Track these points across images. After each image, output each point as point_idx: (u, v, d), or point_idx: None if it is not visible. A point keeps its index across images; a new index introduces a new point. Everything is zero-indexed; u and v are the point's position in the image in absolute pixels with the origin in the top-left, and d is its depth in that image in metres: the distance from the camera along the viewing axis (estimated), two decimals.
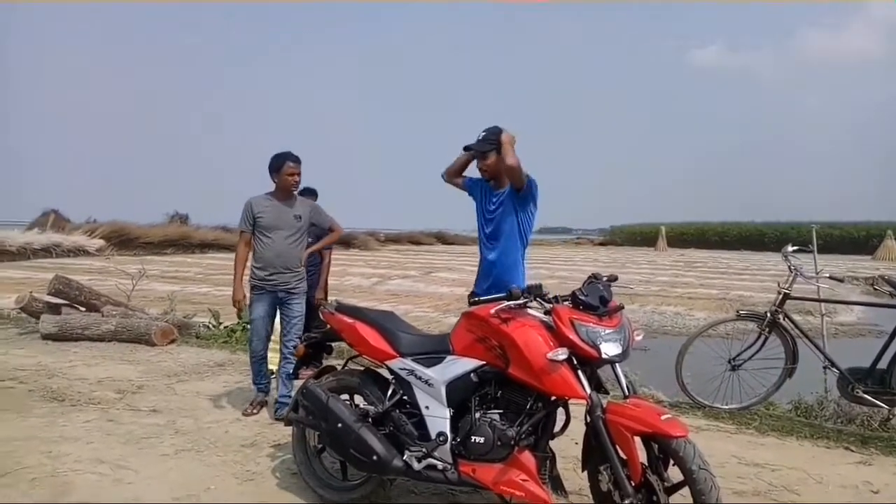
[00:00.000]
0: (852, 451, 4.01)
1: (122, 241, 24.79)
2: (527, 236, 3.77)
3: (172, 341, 7.09)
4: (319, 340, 3.62)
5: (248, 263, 4.61)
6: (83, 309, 7.72)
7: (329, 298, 6.27)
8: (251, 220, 4.49)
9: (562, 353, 2.64)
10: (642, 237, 45.50)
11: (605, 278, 2.97)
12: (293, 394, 4.31)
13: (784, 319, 4.61)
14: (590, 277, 2.96)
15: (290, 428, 3.96)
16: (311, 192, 6.02)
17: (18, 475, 3.41)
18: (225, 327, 7.76)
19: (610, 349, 2.68)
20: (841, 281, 5.10)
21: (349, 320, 3.31)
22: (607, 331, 2.71)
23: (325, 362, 5.02)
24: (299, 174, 4.54)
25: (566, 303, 2.86)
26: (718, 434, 4.26)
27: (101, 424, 4.29)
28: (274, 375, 4.85)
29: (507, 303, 2.82)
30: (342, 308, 3.45)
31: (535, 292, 2.86)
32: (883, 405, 4.16)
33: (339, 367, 3.53)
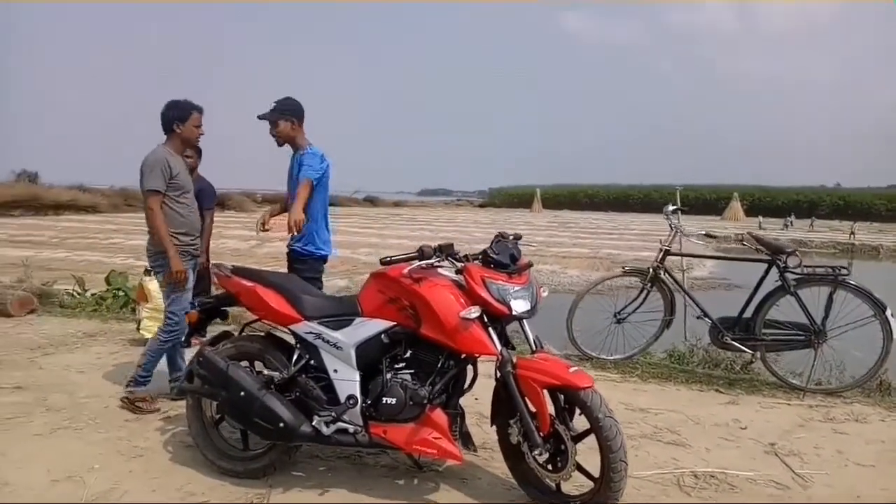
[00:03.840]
0: (721, 392, 4.43)
1: None
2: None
3: (32, 311, 6.42)
4: (214, 306, 3.40)
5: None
6: None
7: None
8: (169, 178, 3.85)
9: (474, 312, 2.66)
10: (519, 199, 46.96)
11: (511, 237, 3.02)
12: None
13: (664, 274, 4.96)
14: (497, 236, 2.99)
15: (178, 401, 3.75)
16: (192, 147, 5.57)
17: None
18: (92, 295, 7.14)
19: (520, 306, 2.75)
20: (716, 238, 5.53)
21: (248, 283, 3.13)
22: (516, 288, 2.77)
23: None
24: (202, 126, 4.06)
25: (476, 261, 2.88)
26: (606, 383, 4.53)
27: None
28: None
29: (418, 262, 2.79)
30: (239, 271, 3.26)
31: (447, 251, 2.85)
32: (748, 350, 4.60)
33: (235, 334, 3.35)
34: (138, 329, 4.97)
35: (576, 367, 2.68)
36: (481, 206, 49.26)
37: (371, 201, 43.49)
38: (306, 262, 3.98)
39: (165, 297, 3.98)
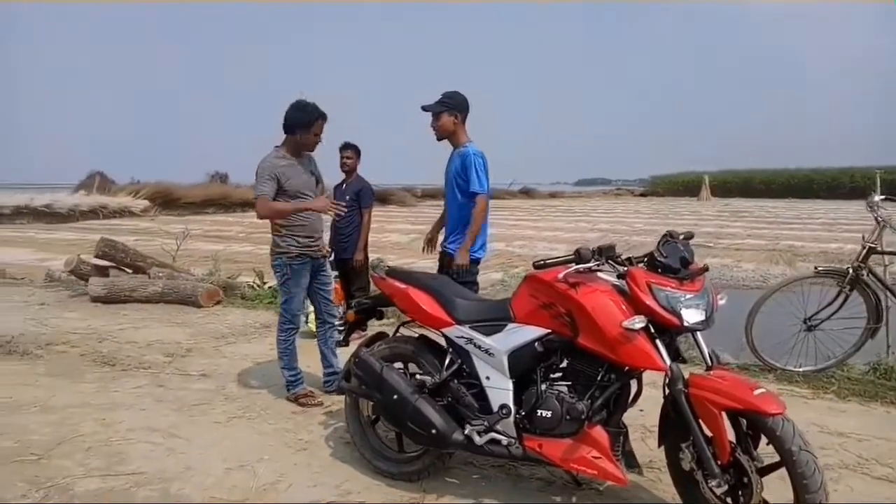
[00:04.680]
0: None
1: (166, 201, 25.24)
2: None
3: (218, 302, 7.08)
4: (370, 306, 3.44)
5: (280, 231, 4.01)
6: (129, 271, 7.77)
7: (370, 257, 6.11)
8: (280, 186, 3.84)
9: (639, 322, 2.40)
10: (684, 187, 44.13)
11: (681, 236, 2.70)
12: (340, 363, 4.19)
13: (868, 275, 4.25)
14: (665, 235, 2.69)
15: (336, 395, 3.84)
16: (351, 148, 5.79)
17: (75, 443, 3.38)
18: (269, 288, 7.71)
19: (692, 316, 2.44)
20: None
21: (401, 285, 3.12)
22: (688, 296, 2.46)
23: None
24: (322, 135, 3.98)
25: (641, 265, 2.61)
26: (794, 399, 3.97)
27: (151, 390, 4.25)
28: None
29: (575, 266, 2.58)
30: (393, 273, 3.27)
31: (607, 254, 2.61)
32: None
33: (389, 334, 3.36)
34: (306, 321, 5.24)
35: (762, 389, 2.32)
36: (642, 195, 47.02)
37: (526, 193, 43.25)
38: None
39: (280, 295, 4.10)
